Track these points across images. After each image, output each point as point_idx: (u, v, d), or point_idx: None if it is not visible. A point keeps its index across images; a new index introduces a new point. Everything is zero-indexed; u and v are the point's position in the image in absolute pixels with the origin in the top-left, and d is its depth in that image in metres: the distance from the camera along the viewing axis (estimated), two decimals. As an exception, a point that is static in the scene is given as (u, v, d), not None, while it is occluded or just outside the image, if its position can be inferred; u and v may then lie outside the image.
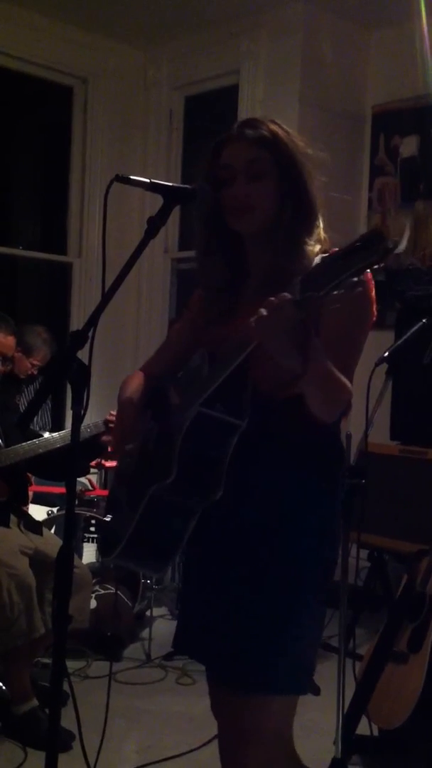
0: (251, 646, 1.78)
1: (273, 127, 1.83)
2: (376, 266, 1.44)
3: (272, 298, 1.55)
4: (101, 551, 1.97)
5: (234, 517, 1.81)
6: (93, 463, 4.37)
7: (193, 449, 1.70)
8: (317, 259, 1.75)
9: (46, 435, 3.36)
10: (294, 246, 1.79)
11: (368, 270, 1.45)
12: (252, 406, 1.72)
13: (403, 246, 1.53)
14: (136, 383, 2.01)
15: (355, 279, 1.45)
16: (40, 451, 3.26)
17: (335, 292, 1.47)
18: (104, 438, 3.35)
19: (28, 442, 3.26)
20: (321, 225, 1.84)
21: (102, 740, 2.31)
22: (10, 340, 3.40)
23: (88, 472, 4.17)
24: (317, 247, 1.81)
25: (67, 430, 3.39)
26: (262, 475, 1.81)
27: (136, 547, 1.81)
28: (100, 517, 4.12)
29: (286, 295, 1.54)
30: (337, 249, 1.64)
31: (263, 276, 1.86)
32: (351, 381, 1.73)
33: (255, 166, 1.81)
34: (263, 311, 1.55)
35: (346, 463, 1.93)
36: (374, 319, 1.81)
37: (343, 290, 1.47)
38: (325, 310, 1.64)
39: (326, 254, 1.67)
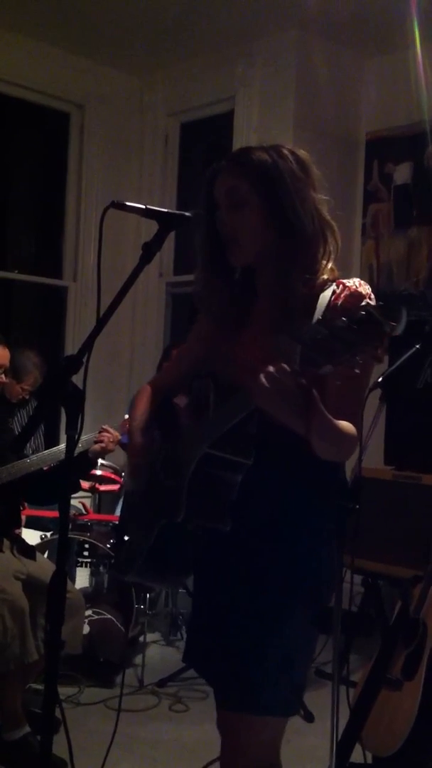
0: (243, 668, 1.81)
1: (259, 154, 1.81)
2: (372, 349, 1.45)
3: (270, 368, 1.55)
4: (118, 569, 2.04)
5: (233, 539, 1.82)
6: (86, 485, 4.36)
7: (201, 488, 1.74)
8: (323, 296, 1.75)
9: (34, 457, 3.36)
10: (285, 277, 1.79)
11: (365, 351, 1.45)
12: (258, 432, 1.73)
13: (401, 329, 1.52)
14: (144, 401, 2.03)
15: (358, 358, 1.45)
16: (32, 469, 3.26)
17: (334, 368, 1.48)
18: (94, 447, 3.35)
19: (19, 461, 3.26)
20: (325, 252, 1.82)
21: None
22: (5, 352, 3.43)
23: (79, 489, 4.15)
24: (322, 277, 1.79)
25: (56, 447, 3.39)
26: (263, 497, 1.82)
27: (150, 568, 1.88)
28: (94, 542, 4.11)
29: (285, 367, 1.54)
30: (341, 284, 1.65)
31: (268, 299, 1.86)
32: (359, 423, 1.74)
33: (232, 195, 1.81)
34: (262, 379, 1.55)
35: (343, 488, 1.92)
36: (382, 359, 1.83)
37: (342, 366, 1.47)
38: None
39: (325, 315, 1.68)
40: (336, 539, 1.93)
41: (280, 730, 1.92)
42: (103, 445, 3.35)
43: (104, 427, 3.41)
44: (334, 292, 1.77)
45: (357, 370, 1.49)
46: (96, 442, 3.36)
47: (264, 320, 1.84)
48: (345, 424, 1.69)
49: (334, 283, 1.79)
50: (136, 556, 1.87)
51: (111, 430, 3.40)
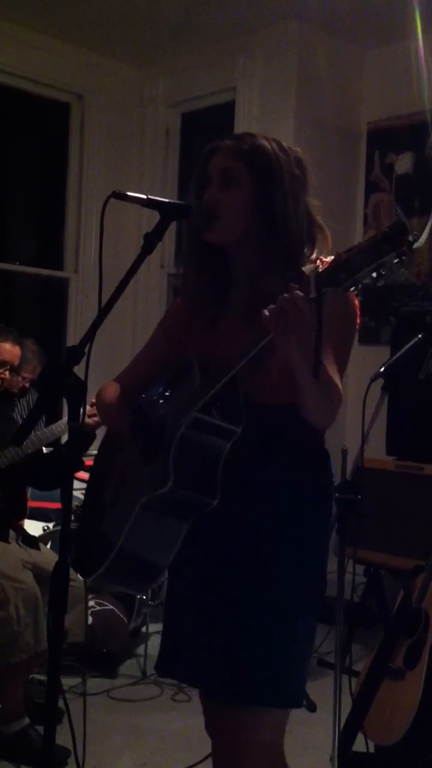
0: (244, 660, 1.78)
1: (261, 141, 1.82)
2: (397, 260, 1.44)
3: (286, 295, 1.55)
4: (79, 570, 1.88)
5: (226, 528, 1.80)
6: (86, 476, 4.36)
7: (190, 455, 1.69)
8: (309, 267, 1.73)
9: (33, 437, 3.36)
10: (262, 263, 1.79)
11: (392, 263, 1.45)
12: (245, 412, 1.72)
13: (423, 239, 1.53)
14: (112, 391, 2.00)
15: (376, 274, 1.45)
16: (37, 446, 3.27)
17: (353, 288, 1.47)
18: (88, 422, 3.32)
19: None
20: (308, 250, 1.82)
21: None
22: (17, 350, 3.44)
23: (83, 466, 4.15)
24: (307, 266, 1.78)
25: (52, 426, 3.40)
26: (252, 481, 1.81)
27: (122, 566, 1.77)
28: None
29: (299, 293, 1.54)
30: (321, 260, 1.65)
31: (243, 289, 1.86)
32: (341, 385, 1.76)
33: (227, 173, 1.82)
34: (280, 305, 1.55)
35: (333, 474, 1.93)
36: (359, 327, 1.85)
37: (361, 285, 1.46)
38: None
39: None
40: (330, 529, 1.93)
41: (283, 725, 1.88)
42: (96, 419, 3.31)
43: (93, 400, 3.35)
44: (317, 267, 1.76)
45: (382, 282, 1.48)
46: (89, 416, 3.32)
47: (241, 310, 1.84)
48: (336, 379, 1.73)
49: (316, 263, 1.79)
50: (102, 556, 1.77)
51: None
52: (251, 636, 1.79)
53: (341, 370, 1.78)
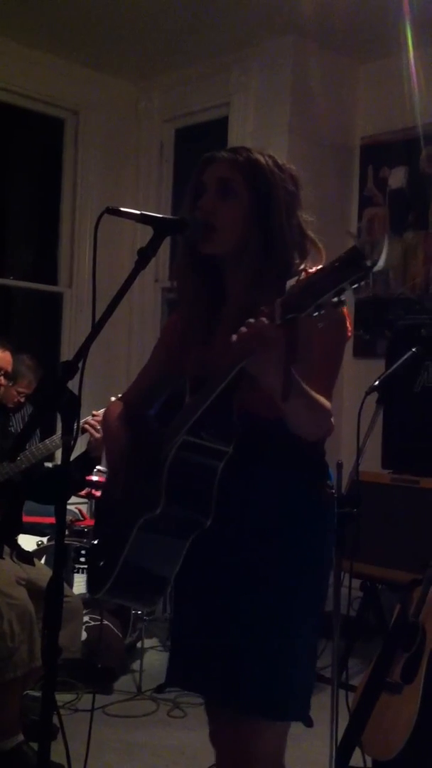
0: (252, 671, 1.78)
1: (256, 156, 1.84)
2: (356, 285, 1.44)
3: (252, 320, 1.55)
4: (89, 588, 1.93)
5: (226, 540, 1.81)
6: (83, 492, 4.35)
7: (181, 478, 1.70)
8: (288, 283, 1.74)
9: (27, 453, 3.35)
10: (257, 275, 1.79)
11: (351, 288, 1.45)
12: (239, 425, 1.72)
13: (382, 263, 1.51)
14: (114, 410, 2.02)
15: (337, 299, 1.45)
16: (32, 461, 3.26)
17: (316, 314, 1.47)
18: (90, 441, 3.32)
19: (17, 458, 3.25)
20: (300, 262, 1.83)
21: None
22: (7, 355, 3.43)
23: (84, 487, 4.13)
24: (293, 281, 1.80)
25: (50, 438, 3.39)
26: (250, 495, 1.81)
27: (125, 582, 1.78)
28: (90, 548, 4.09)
29: (264, 320, 1.54)
30: (305, 271, 1.65)
31: (237, 302, 1.86)
32: (329, 400, 1.75)
33: (225, 185, 1.83)
34: (243, 330, 1.55)
35: (332, 485, 1.93)
36: (350, 336, 1.84)
37: (325, 311, 1.46)
38: (314, 329, 1.62)
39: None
40: (332, 535, 1.93)
41: (285, 737, 1.89)
42: (97, 436, 3.30)
43: (95, 413, 3.34)
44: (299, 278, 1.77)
45: (341, 308, 1.47)
46: (82, 432, 3.31)
47: (234, 323, 1.84)
48: (319, 396, 1.71)
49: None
50: (108, 574, 1.79)
51: (97, 414, 3.33)
52: (252, 649, 1.79)
53: (330, 385, 1.77)
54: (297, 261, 1.83)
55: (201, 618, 1.87)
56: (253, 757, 1.83)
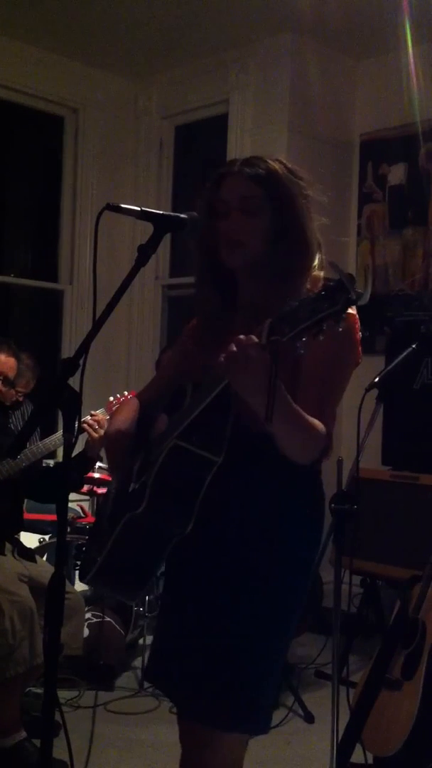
0: (212, 683, 1.79)
1: (274, 165, 1.83)
2: (333, 320, 1.43)
3: (240, 337, 1.55)
4: (80, 574, 2.01)
5: (206, 547, 1.82)
6: (84, 489, 4.36)
7: (167, 482, 1.72)
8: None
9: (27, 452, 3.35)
10: (284, 283, 1.79)
11: (332, 319, 1.44)
12: (232, 435, 1.71)
13: (366, 299, 1.51)
14: (127, 412, 2.02)
15: (324, 326, 1.44)
16: (32, 460, 3.26)
17: (301, 339, 1.46)
18: (89, 440, 3.32)
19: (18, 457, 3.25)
20: (317, 264, 1.84)
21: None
22: (12, 362, 3.43)
23: (83, 485, 4.13)
24: (308, 287, 1.79)
25: (51, 436, 3.39)
26: (237, 505, 1.81)
27: (110, 572, 1.85)
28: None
29: (252, 337, 1.54)
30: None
31: (250, 309, 1.86)
32: (329, 423, 1.72)
33: (248, 202, 1.82)
34: (233, 348, 1.55)
35: (324, 502, 1.92)
36: (359, 361, 1.82)
37: (306, 340, 1.46)
38: (309, 350, 1.57)
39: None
40: (311, 564, 1.91)
41: (242, 750, 1.89)
42: (95, 435, 3.30)
43: (93, 413, 3.34)
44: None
45: (321, 337, 1.45)
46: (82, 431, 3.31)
47: (246, 333, 1.84)
48: (312, 419, 1.68)
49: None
50: (95, 561, 1.86)
51: (95, 414, 3.33)
52: (207, 657, 1.79)
53: (325, 407, 1.73)
54: (310, 266, 1.83)
55: (174, 619, 1.90)
56: (209, 764, 1.85)
